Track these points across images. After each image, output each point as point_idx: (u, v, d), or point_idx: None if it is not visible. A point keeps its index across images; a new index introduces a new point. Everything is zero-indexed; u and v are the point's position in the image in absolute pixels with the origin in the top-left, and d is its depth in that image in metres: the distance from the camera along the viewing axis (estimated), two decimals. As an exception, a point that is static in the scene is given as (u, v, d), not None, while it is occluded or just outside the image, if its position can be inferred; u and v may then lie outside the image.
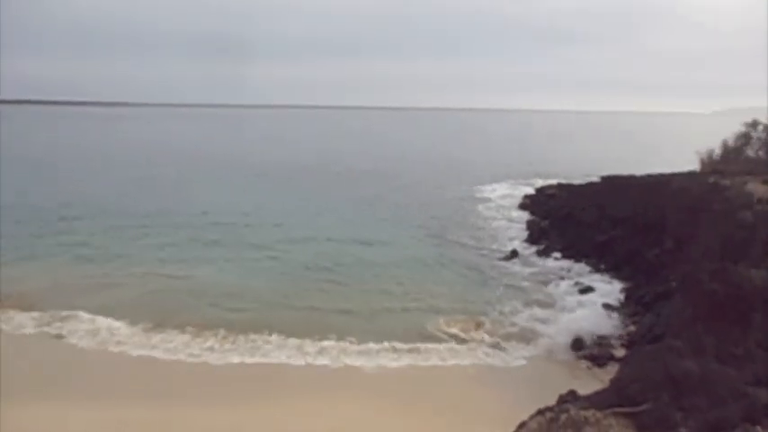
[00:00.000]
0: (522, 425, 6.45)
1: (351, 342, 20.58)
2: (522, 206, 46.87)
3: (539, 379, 18.44)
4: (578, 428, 6.19)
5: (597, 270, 29.53)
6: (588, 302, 25.09)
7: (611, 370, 17.21)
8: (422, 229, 39.35)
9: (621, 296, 25.66)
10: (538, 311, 24.08)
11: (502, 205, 48.67)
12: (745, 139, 31.49)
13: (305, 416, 15.77)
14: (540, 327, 22.46)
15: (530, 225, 39.86)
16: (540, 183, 54.73)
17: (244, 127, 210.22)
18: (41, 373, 18.15)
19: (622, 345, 20.76)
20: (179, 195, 50.52)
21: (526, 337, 21.55)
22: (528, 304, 24.89)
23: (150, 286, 26.47)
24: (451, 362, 19.50)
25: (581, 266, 30.31)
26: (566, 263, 31.19)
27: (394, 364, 19.17)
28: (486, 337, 21.36)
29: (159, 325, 21.77)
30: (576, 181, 48.08)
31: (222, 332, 21.18)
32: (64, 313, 22.70)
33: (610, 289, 26.66)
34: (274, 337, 20.86)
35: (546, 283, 27.94)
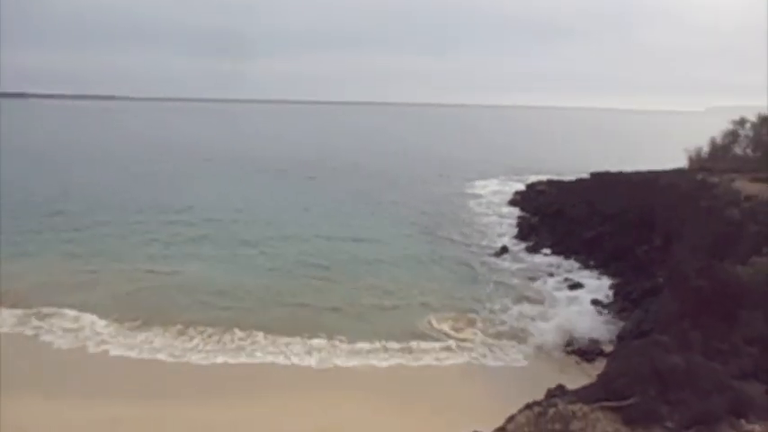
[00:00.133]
0: (511, 419, 6.49)
1: (341, 341, 20.42)
2: (513, 202, 47.09)
3: (529, 375, 18.55)
4: (566, 422, 6.23)
5: (586, 266, 29.75)
6: (577, 299, 25.30)
7: (600, 365, 17.32)
8: (413, 226, 39.42)
9: (610, 292, 25.87)
10: (528, 308, 24.22)
11: (492, 201, 48.87)
12: (732, 136, 31.77)
13: (296, 415, 15.71)
14: (530, 323, 22.59)
15: (520, 221, 40.06)
16: (531, 179, 54.95)
17: (242, 122, 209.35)
18: (23, 370, 17.88)
19: (610, 340, 20.93)
20: (175, 191, 50.21)
21: (516, 334, 21.64)
22: (518, 301, 25.03)
23: (140, 283, 26.23)
24: (443, 360, 19.48)
25: (570, 263, 30.52)
26: (555, 259, 31.39)
27: (385, 364, 19.09)
28: (478, 335, 21.40)
29: (146, 323, 21.51)
30: (567, 177, 48.33)
31: (210, 330, 20.95)
32: (50, 310, 22.45)
33: (598, 285, 26.89)
34: (264, 336, 20.61)
35: (535, 280, 28.09)
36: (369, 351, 19.85)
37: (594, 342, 20.81)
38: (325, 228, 37.73)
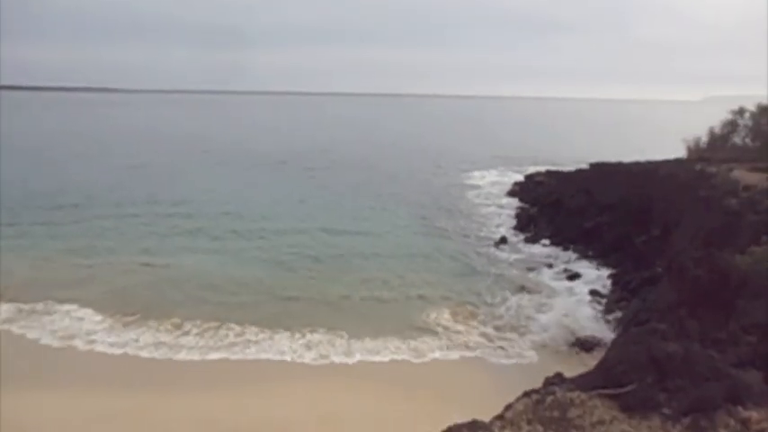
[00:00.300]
0: (509, 407, 6.51)
1: (340, 336, 20.17)
2: (511, 193, 47.07)
3: (527, 366, 18.62)
4: (564, 410, 6.25)
5: (585, 256, 29.78)
6: (576, 289, 25.37)
7: (598, 355, 17.41)
8: (412, 218, 39.38)
9: (608, 282, 25.93)
10: (527, 299, 24.27)
11: (491, 192, 48.83)
12: (731, 126, 31.72)
13: (294, 405, 15.72)
14: (529, 314, 22.64)
15: (518, 212, 40.07)
16: (530, 170, 54.92)
17: (241, 114, 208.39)
18: (18, 366, 17.76)
19: (608, 330, 21.00)
20: (172, 184, 49.98)
21: (516, 326, 21.63)
22: (517, 292, 25.04)
23: (136, 277, 26.04)
24: (442, 353, 19.37)
25: (569, 253, 30.56)
26: (554, 249, 31.43)
27: (384, 358, 18.90)
28: (477, 328, 21.35)
29: (143, 317, 21.35)
30: (566, 168, 48.29)
31: (206, 325, 20.74)
32: (46, 305, 22.34)
33: (597, 275, 26.95)
34: (261, 331, 20.37)
35: (534, 270, 28.13)
36: (368, 345, 19.66)
37: (592, 332, 20.89)
38: (322, 220, 37.56)
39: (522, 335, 20.86)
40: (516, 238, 34.03)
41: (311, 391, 16.63)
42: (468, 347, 19.81)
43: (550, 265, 28.74)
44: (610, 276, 26.54)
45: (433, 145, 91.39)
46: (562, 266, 28.44)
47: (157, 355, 18.94)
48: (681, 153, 33.75)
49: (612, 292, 24.73)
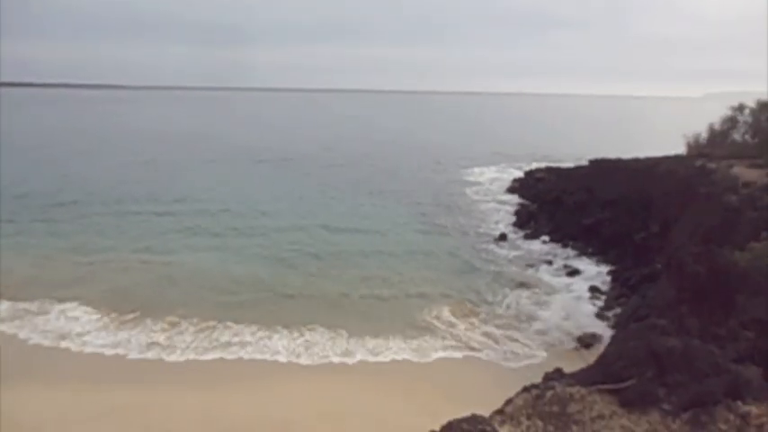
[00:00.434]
0: (509, 402, 6.52)
1: (340, 335, 20.02)
2: (511, 189, 47.09)
3: (528, 362, 18.65)
4: (563, 405, 6.26)
5: (584, 253, 29.82)
6: (575, 285, 25.40)
7: (597, 351, 17.45)
8: (411, 215, 39.35)
9: (608, 278, 25.98)
10: (527, 295, 24.28)
11: (491, 189, 48.84)
12: (731, 122, 31.70)
13: (295, 403, 15.72)
14: (528, 311, 22.67)
15: (518, 208, 40.08)
16: (530, 166, 54.91)
17: (240, 111, 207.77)
18: (16, 363, 17.75)
19: (608, 326, 21.05)
20: (172, 182, 49.85)
21: (516, 322, 21.64)
22: (517, 289, 25.05)
23: (135, 275, 25.85)
24: (443, 351, 19.24)
25: (568, 249, 30.60)
26: (553, 246, 31.46)
27: (385, 358, 18.77)
28: (477, 325, 21.31)
29: (142, 315, 21.22)
30: (565, 164, 48.27)
31: (204, 324, 20.60)
32: (45, 303, 22.26)
33: (596, 272, 26.99)
34: (259, 330, 20.24)
35: (534, 267, 28.15)
36: (368, 344, 19.51)
37: (592, 328, 20.93)
38: (322, 217, 37.49)
39: (522, 332, 20.88)
40: (516, 235, 34.04)
41: (310, 389, 16.61)
42: (468, 345, 19.76)
43: (550, 262, 28.77)
44: (609, 273, 26.59)
45: (432, 142, 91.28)
46: (562, 263, 28.47)
47: (153, 354, 18.81)
48: (680, 150, 33.75)
49: (612, 288, 24.77)
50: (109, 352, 18.88)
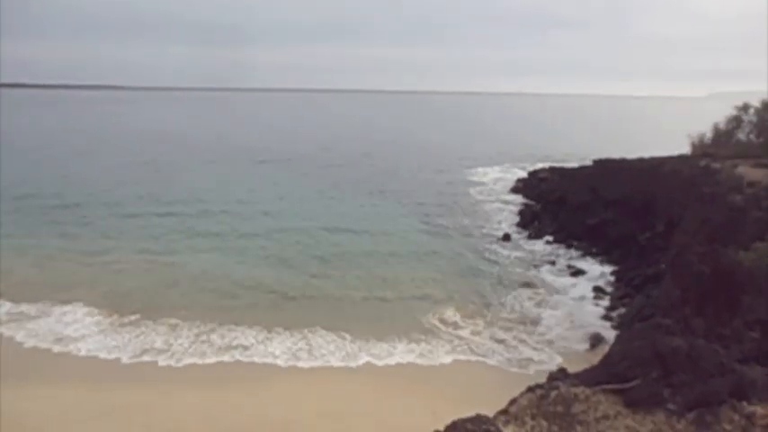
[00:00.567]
0: (513, 402, 6.51)
1: (343, 338, 19.86)
2: (515, 190, 47.03)
3: (532, 362, 18.61)
4: (568, 405, 6.25)
5: (588, 253, 29.76)
6: (579, 286, 25.35)
7: (602, 351, 17.40)
8: (414, 215, 39.29)
9: (612, 278, 25.93)
10: (531, 296, 24.25)
11: (494, 189, 48.80)
12: (736, 122, 31.54)
13: (296, 402, 15.76)
14: (532, 311, 22.62)
15: (522, 208, 40.02)
16: (533, 166, 54.82)
17: (240, 111, 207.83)
18: (16, 364, 17.83)
19: (612, 326, 21.00)
20: (172, 182, 49.89)
21: (520, 323, 21.58)
22: (521, 289, 25.01)
23: (137, 277, 25.76)
24: (448, 353, 19.16)
25: (572, 249, 30.55)
26: (557, 246, 31.41)
27: (389, 361, 18.61)
28: (482, 327, 21.19)
29: (142, 318, 21.18)
30: (569, 164, 48.17)
31: (206, 327, 20.51)
32: (46, 305, 22.24)
33: (600, 272, 26.94)
34: (261, 332, 20.14)
35: (538, 267, 28.11)
36: (371, 347, 19.37)
37: (596, 328, 20.89)
38: (324, 219, 37.35)
39: (526, 334, 20.81)
40: (520, 235, 34.00)
41: (311, 390, 16.58)
42: (472, 348, 19.66)
43: (554, 262, 28.73)
44: (613, 273, 26.54)
45: (433, 142, 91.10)
46: (565, 263, 28.43)
47: (154, 356, 18.76)
48: (684, 150, 33.63)
49: (616, 288, 24.72)
50: (109, 353, 18.89)
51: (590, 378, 6.69)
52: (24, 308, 22.10)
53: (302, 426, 14.71)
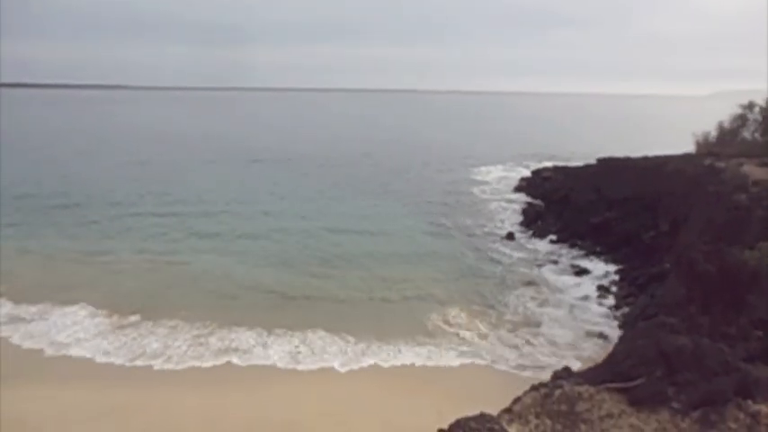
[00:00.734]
0: (517, 400, 6.51)
1: (346, 340, 19.68)
2: (519, 189, 46.94)
3: (537, 362, 18.52)
4: (572, 404, 6.25)
5: (592, 252, 29.67)
6: (583, 285, 25.28)
7: (605, 351, 17.35)
8: (417, 215, 39.18)
9: (616, 278, 25.85)
10: (535, 296, 24.15)
11: (497, 188, 48.71)
12: (741, 120, 31.43)
13: (296, 403, 15.71)
14: (536, 311, 22.54)
15: (526, 207, 39.95)
16: (537, 165, 54.72)
17: (241, 111, 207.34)
18: (18, 364, 17.84)
19: (616, 326, 20.95)
20: (173, 183, 49.71)
21: (524, 323, 21.47)
22: (525, 289, 24.90)
23: (135, 279, 25.56)
24: (450, 353, 19.01)
25: (576, 248, 30.46)
26: (561, 245, 31.32)
27: (392, 362, 18.42)
28: (486, 327, 21.06)
29: (143, 319, 21.09)
30: (573, 163, 48.07)
31: (208, 328, 20.37)
32: (48, 306, 22.18)
33: (604, 271, 26.84)
34: (262, 333, 19.96)
35: (541, 266, 28.02)
36: (374, 348, 19.19)
37: (600, 328, 20.85)
38: (327, 219, 37.16)
39: (530, 333, 20.72)
40: (523, 234, 33.94)
41: (313, 391, 16.53)
42: (476, 347, 19.56)
43: (557, 262, 28.65)
44: (617, 272, 26.45)
45: (436, 141, 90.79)
46: (569, 262, 28.35)
47: (154, 357, 18.69)
48: (689, 148, 33.54)
49: (620, 287, 24.64)
50: (109, 355, 18.83)
51: (594, 377, 6.69)
52: (25, 308, 22.05)
53: (304, 426, 14.66)
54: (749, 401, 6.18)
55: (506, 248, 31.22)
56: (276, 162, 64.13)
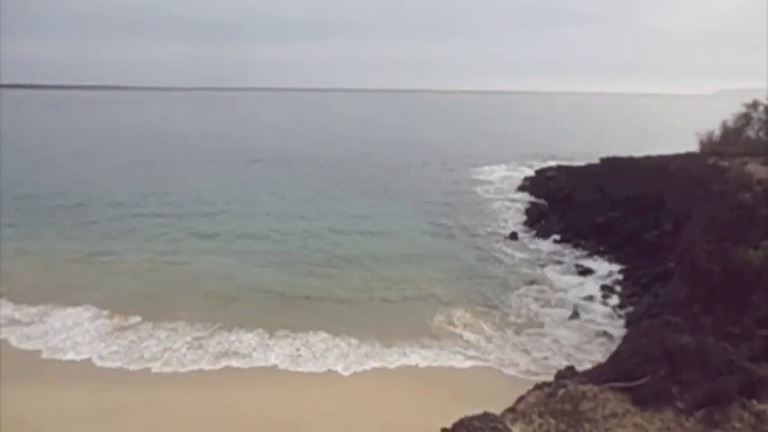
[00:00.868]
0: (521, 399, 6.51)
1: (348, 342, 19.56)
2: (522, 188, 46.86)
3: (540, 362, 18.47)
4: (576, 403, 6.24)
5: (596, 252, 29.61)
6: (587, 285, 25.24)
7: (609, 351, 17.30)
8: (420, 215, 39.08)
9: (620, 277, 25.80)
10: (538, 295, 24.10)
11: (501, 188, 48.61)
12: (745, 119, 31.32)
13: (299, 402, 15.74)
14: (540, 311, 22.48)
15: (529, 207, 39.90)
16: (540, 164, 54.62)
17: (241, 111, 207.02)
18: (19, 365, 17.85)
19: (620, 325, 20.92)
20: (174, 183, 49.56)
21: (528, 323, 21.42)
22: (528, 289, 24.84)
23: (136, 280, 25.51)
24: (453, 354, 18.95)
25: (580, 248, 30.40)
26: (565, 244, 31.27)
27: (395, 363, 18.34)
28: (489, 327, 20.99)
29: (144, 320, 21.09)
30: (576, 163, 47.97)
31: (211, 329, 20.33)
32: (49, 307, 22.15)
33: (608, 270, 26.79)
34: (264, 335, 19.92)
35: (545, 266, 27.97)
36: (377, 349, 19.15)
37: (604, 327, 20.82)
38: (328, 219, 37.01)
39: (533, 333, 20.68)
40: (527, 234, 33.89)
41: (315, 392, 16.54)
42: (479, 348, 19.50)
43: (561, 261, 28.60)
44: (621, 272, 26.40)
45: (438, 140, 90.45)
46: (573, 262, 28.30)
47: (155, 357, 18.70)
48: (693, 147, 33.44)
49: (624, 287, 24.59)
50: (110, 355, 18.85)
51: (598, 376, 6.68)
52: (25, 310, 22.03)
53: (306, 426, 14.66)
54: (753, 401, 6.17)
55: (510, 248, 31.16)
56: (276, 162, 64.02)
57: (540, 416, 6.42)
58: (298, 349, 19.19)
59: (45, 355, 18.90)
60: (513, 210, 40.15)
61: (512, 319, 21.89)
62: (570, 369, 7.06)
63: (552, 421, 6.31)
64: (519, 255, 29.95)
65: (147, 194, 44.04)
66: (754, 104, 31.03)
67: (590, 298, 23.69)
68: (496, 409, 6.86)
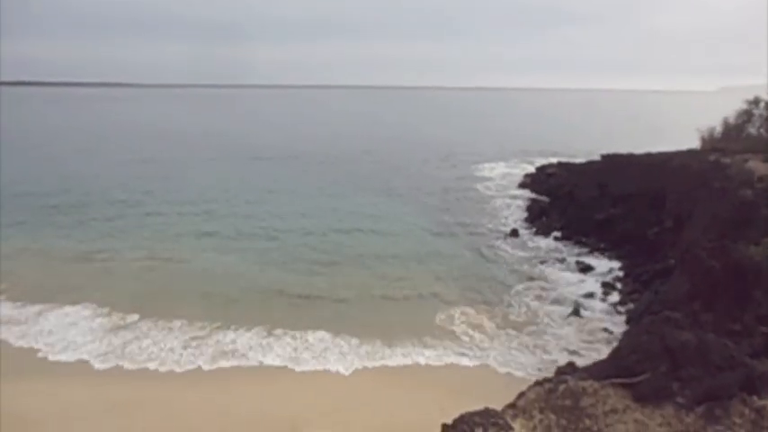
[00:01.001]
0: (521, 395, 6.51)
1: (348, 342, 19.49)
2: (523, 185, 46.80)
3: (541, 359, 18.49)
4: (576, 399, 6.24)
5: (596, 249, 29.60)
6: (588, 281, 25.25)
7: (610, 347, 17.31)
8: (421, 212, 39.05)
9: (620, 274, 25.79)
10: (539, 292, 24.11)
11: (501, 184, 48.56)
12: (746, 116, 31.23)
13: (304, 398, 15.81)
14: (541, 308, 22.50)
15: (530, 204, 39.86)
16: (541, 162, 54.52)
17: (241, 108, 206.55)
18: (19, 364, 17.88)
19: (621, 322, 20.92)
20: (175, 181, 49.53)
21: (529, 320, 21.41)
22: (529, 286, 24.86)
23: (136, 279, 25.54)
24: (455, 352, 18.90)
25: (581, 245, 30.38)
26: (565, 241, 31.25)
27: (396, 362, 18.35)
28: (491, 325, 20.96)
29: (143, 318, 21.12)
30: (577, 159, 47.88)
31: (210, 328, 20.34)
32: (49, 305, 22.17)
33: (609, 267, 26.79)
34: (263, 333, 19.92)
35: (546, 263, 27.96)
36: (377, 348, 19.12)
37: (605, 324, 20.82)
38: (330, 218, 36.99)
39: (534, 330, 20.69)
40: (527, 231, 33.86)
41: (315, 390, 16.58)
42: (480, 345, 19.50)
43: (562, 258, 28.59)
44: (622, 269, 26.39)
45: (438, 138, 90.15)
46: (573, 259, 28.29)
47: (155, 356, 18.71)
48: (694, 144, 33.36)
49: (625, 284, 24.59)
50: (110, 353, 18.88)
51: (598, 372, 6.69)
52: (25, 308, 22.07)
53: (306, 422, 14.68)
54: (754, 397, 6.17)
55: (510, 246, 31.14)
56: (277, 159, 63.93)
57: (541, 411, 6.43)
58: (296, 349, 19.15)
59: (44, 353, 18.94)
60: (513, 207, 40.13)
61: (512, 316, 21.90)
62: (571, 365, 7.08)
63: (553, 417, 6.31)
64: (519, 252, 29.94)
65: (146, 192, 43.99)
66: (756, 101, 30.94)
67: (591, 295, 23.69)
68: (497, 406, 6.86)
